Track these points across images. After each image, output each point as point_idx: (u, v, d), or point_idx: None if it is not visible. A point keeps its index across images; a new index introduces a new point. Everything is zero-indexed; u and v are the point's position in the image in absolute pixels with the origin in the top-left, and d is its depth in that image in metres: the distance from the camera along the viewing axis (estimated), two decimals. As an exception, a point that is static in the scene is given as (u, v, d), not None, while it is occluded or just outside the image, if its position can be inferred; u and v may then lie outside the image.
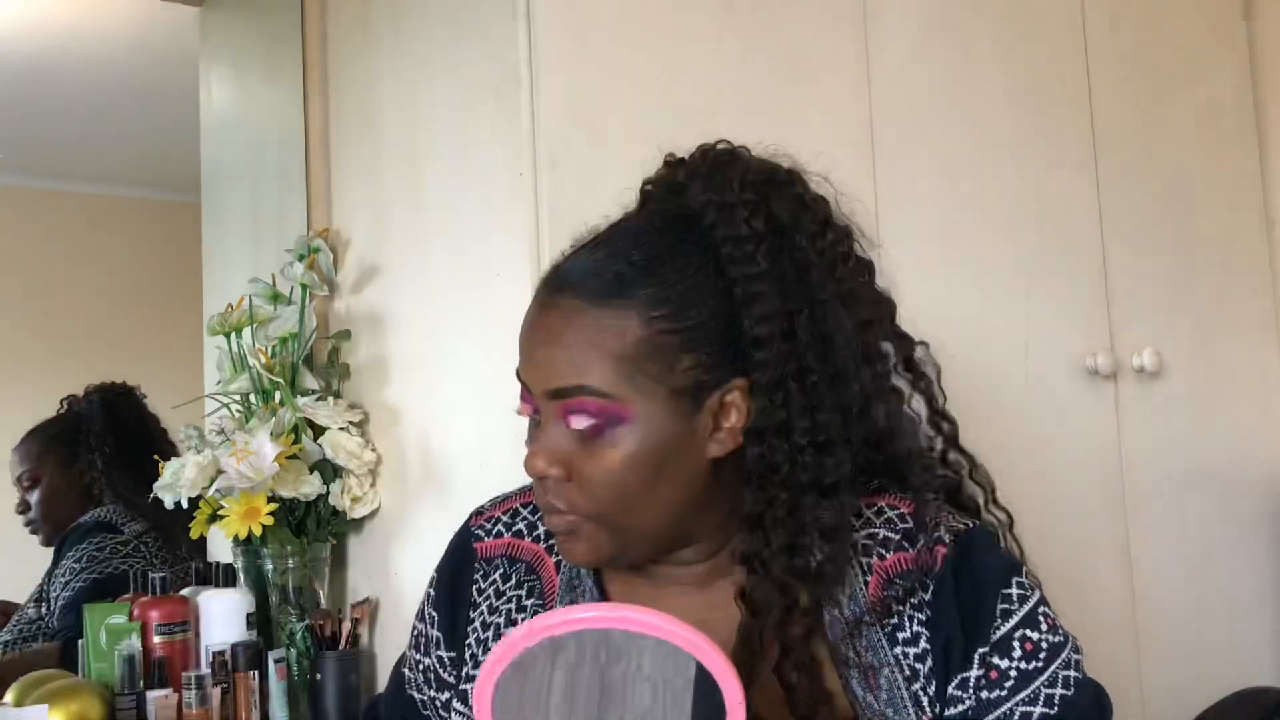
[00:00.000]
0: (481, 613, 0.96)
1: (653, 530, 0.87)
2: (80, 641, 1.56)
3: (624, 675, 0.74)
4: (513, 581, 0.96)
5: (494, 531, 0.99)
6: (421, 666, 1.00)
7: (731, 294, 0.85)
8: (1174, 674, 1.84)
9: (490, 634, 0.95)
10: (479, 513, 1.02)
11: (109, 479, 1.87)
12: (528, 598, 0.95)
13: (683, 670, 0.74)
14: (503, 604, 0.96)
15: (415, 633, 1.02)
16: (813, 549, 0.85)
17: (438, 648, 0.98)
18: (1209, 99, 2.05)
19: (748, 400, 0.85)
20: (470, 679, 0.95)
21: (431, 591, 1.01)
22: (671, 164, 0.94)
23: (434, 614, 0.99)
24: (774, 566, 0.85)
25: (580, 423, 0.83)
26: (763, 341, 0.84)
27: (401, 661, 1.05)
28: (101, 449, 1.88)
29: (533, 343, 0.87)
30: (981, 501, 0.98)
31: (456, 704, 0.96)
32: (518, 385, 0.89)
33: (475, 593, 0.97)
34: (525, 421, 0.90)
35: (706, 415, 0.85)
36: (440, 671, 0.98)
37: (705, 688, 0.73)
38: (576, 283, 0.85)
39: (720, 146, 0.92)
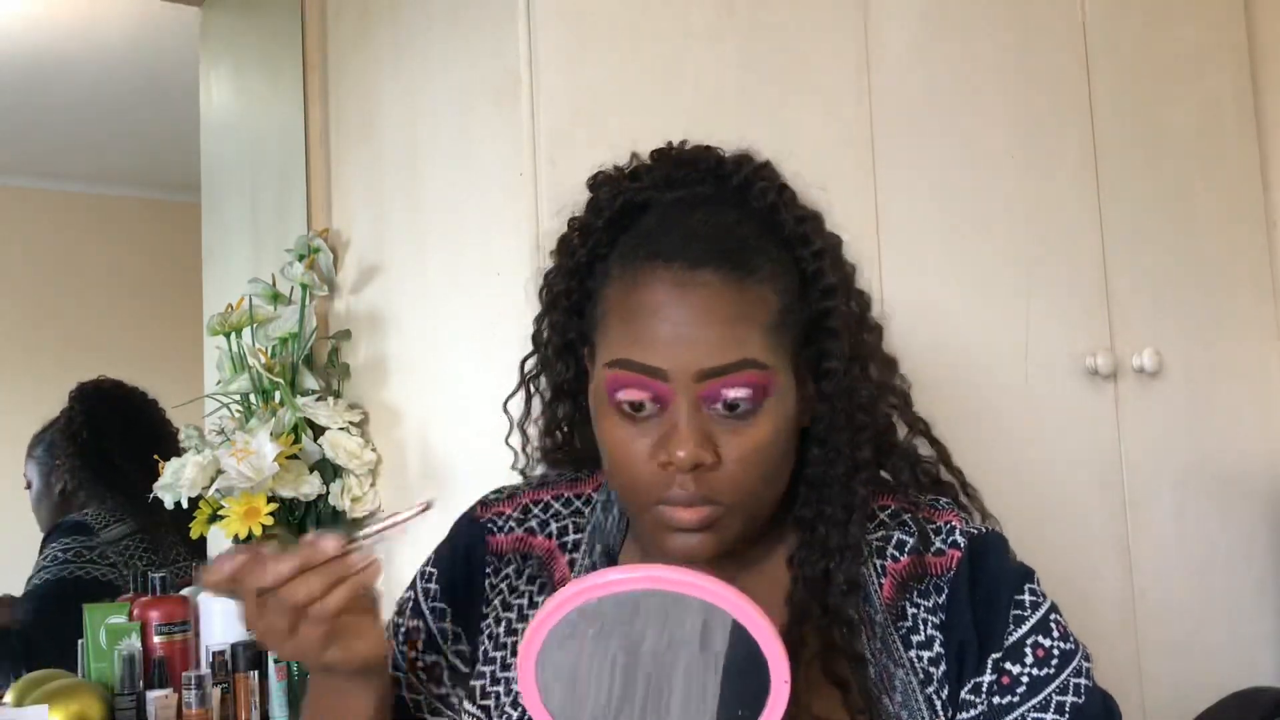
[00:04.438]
0: (495, 609, 0.95)
1: (768, 510, 0.87)
2: (80, 641, 1.56)
3: (670, 639, 0.72)
4: (524, 578, 0.95)
5: (505, 527, 0.97)
6: (402, 630, 0.97)
7: (798, 270, 0.88)
8: (1174, 674, 1.84)
9: (503, 629, 0.94)
10: (485, 504, 1.00)
11: (85, 480, 1.86)
12: (539, 594, 0.94)
13: (728, 636, 0.72)
14: (515, 600, 0.95)
15: (401, 601, 0.99)
16: (852, 517, 0.88)
17: (440, 620, 0.96)
18: (1209, 99, 2.05)
19: (812, 370, 0.89)
20: (481, 675, 0.93)
21: (431, 570, 0.98)
22: (676, 152, 0.94)
23: (436, 588, 0.97)
24: (830, 528, 0.87)
25: (741, 397, 0.81)
26: (830, 313, 0.88)
27: None
28: (80, 450, 1.87)
29: (676, 323, 0.82)
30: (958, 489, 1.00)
31: (466, 704, 0.94)
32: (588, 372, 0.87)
33: (489, 588, 0.96)
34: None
35: (804, 383, 0.88)
36: (438, 638, 0.95)
37: (751, 658, 0.72)
38: (714, 255, 0.83)
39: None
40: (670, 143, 0.95)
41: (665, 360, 0.81)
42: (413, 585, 1.00)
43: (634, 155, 0.95)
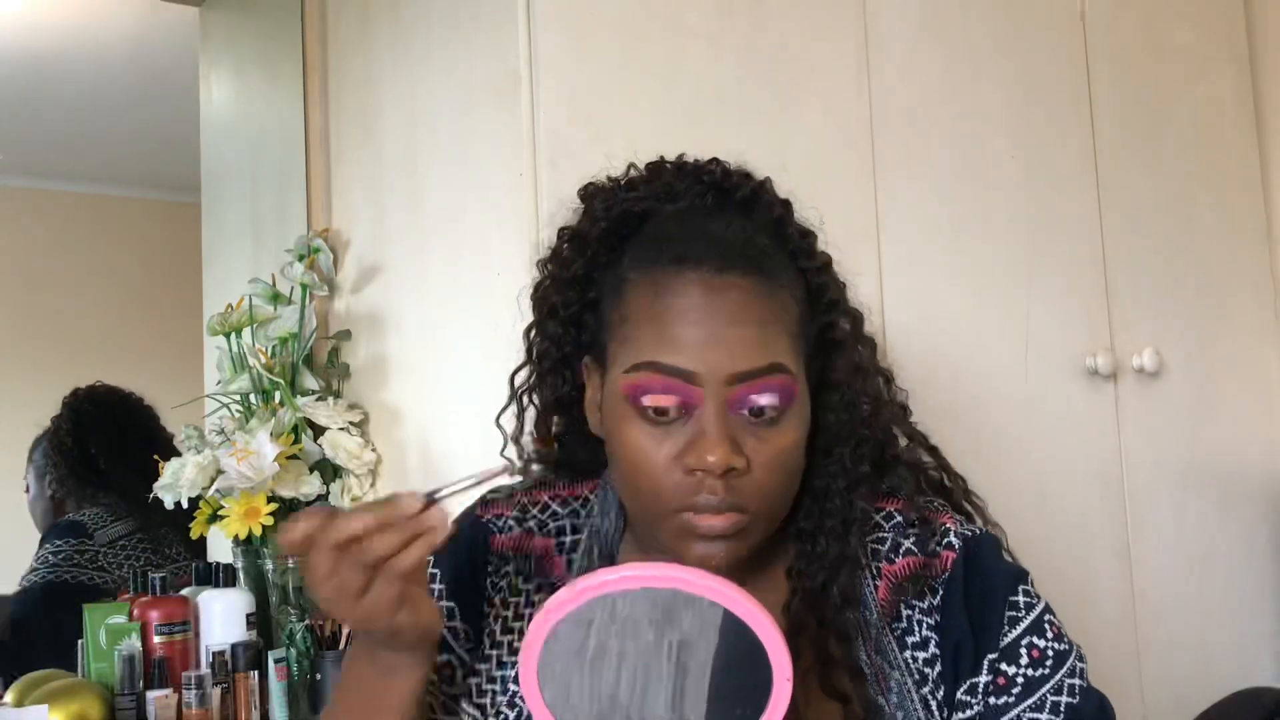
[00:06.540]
0: (495, 608, 0.94)
1: (782, 519, 0.87)
2: (80, 641, 1.56)
3: (670, 636, 0.72)
4: (522, 577, 0.95)
5: (506, 527, 0.97)
6: None
7: (805, 282, 0.89)
8: (1174, 674, 1.84)
9: (499, 628, 0.93)
10: (486, 503, 0.99)
11: (72, 488, 1.86)
12: (536, 593, 0.94)
13: (728, 633, 0.72)
14: (513, 598, 0.94)
15: None
16: (851, 530, 0.88)
17: (449, 619, 0.94)
18: (1209, 99, 2.05)
19: (813, 382, 0.90)
20: (477, 673, 0.93)
21: (433, 570, 0.96)
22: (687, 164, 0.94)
23: (441, 588, 0.95)
24: (830, 540, 0.87)
25: (770, 403, 0.81)
26: (834, 325, 0.90)
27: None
28: (66, 458, 1.86)
29: (707, 325, 0.81)
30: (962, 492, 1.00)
31: (463, 703, 0.94)
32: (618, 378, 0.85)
33: (490, 587, 0.95)
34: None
35: (810, 397, 0.89)
36: (447, 637, 0.94)
37: (752, 656, 0.72)
38: (742, 259, 0.83)
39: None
40: (663, 157, 0.94)
41: (696, 363, 0.81)
42: None
43: (631, 165, 0.95)
